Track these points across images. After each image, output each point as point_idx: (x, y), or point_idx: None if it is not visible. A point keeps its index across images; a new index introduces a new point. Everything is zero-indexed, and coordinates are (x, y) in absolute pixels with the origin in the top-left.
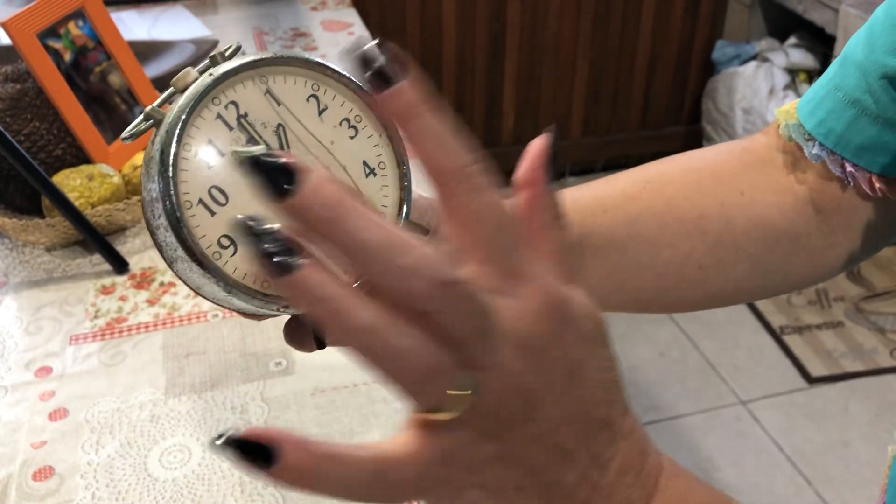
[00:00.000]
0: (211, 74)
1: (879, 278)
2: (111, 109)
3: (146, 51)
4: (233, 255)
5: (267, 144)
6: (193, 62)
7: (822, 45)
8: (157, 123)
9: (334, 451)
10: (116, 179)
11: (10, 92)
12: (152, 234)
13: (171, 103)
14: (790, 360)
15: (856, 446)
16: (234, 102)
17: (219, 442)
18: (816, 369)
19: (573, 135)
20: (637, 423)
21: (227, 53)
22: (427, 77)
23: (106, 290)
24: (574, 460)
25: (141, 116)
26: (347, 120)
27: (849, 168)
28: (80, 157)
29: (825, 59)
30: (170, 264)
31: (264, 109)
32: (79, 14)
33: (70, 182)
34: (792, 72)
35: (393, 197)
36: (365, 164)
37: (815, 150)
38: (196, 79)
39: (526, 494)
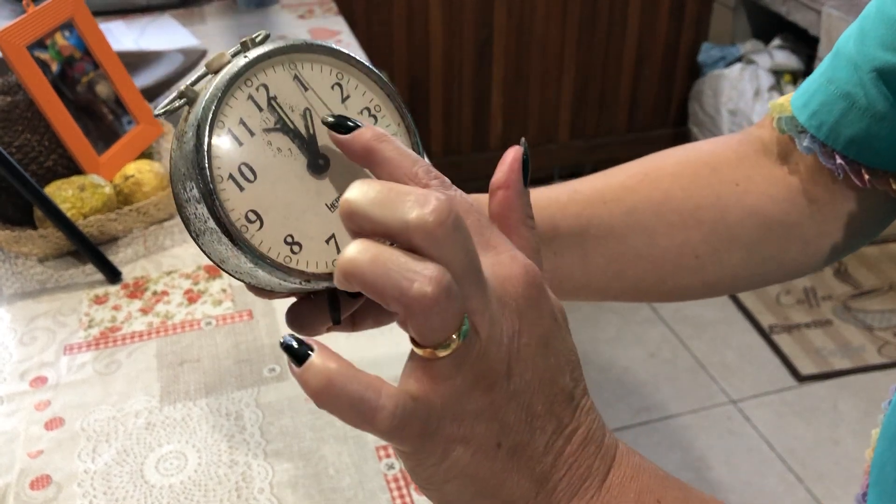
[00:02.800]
0: (245, 57)
1: (866, 276)
2: (99, 119)
3: (135, 61)
4: (259, 228)
5: (296, 126)
6: (182, 72)
7: (806, 46)
8: (191, 102)
9: (355, 373)
10: (108, 190)
11: (1, 104)
12: (180, 208)
13: (201, 83)
14: (780, 359)
15: (846, 443)
16: (264, 85)
17: (280, 342)
18: (806, 367)
19: (561, 138)
20: (595, 407)
21: (257, 40)
22: (414, 82)
23: (99, 300)
24: (542, 425)
25: (174, 94)
26: (368, 109)
27: (839, 160)
28: (71, 167)
29: (809, 61)
30: (196, 237)
31: (292, 93)
32: (66, 25)
33: (62, 193)
34: (777, 73)
35: None
36: None
37: (806, 143)
38: (229, 61)
39: (501, 455)
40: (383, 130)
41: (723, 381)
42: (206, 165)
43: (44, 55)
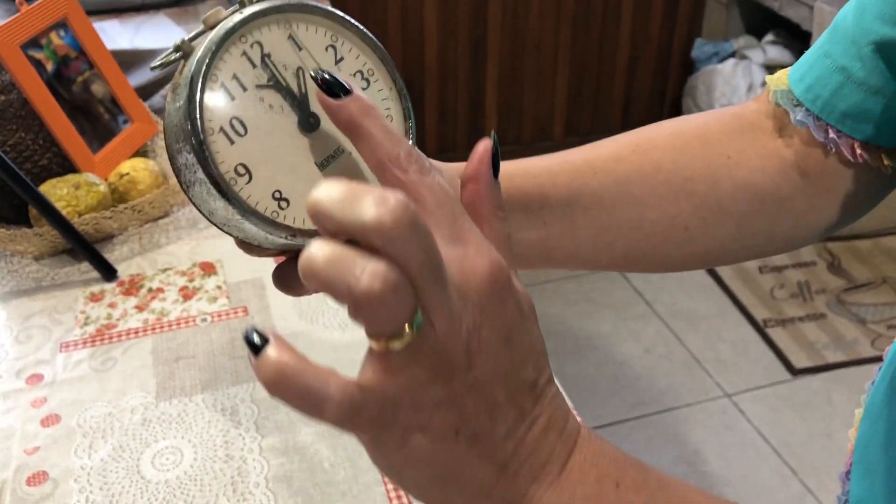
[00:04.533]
0: (241, 13)
1: (860, 270)
2: (95, 119)
3: (129, 60)
4: (248, 182)
5: (288, 84)
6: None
7: (799, 41)
8: (187, 55)
9: (306, 366)
10: (103, 188)
11: None
12: (172, 159)
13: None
14: (774, 353)
15: (839, 436)
16: (259, 42)
17: (243, 335)
18: (800, 361)
19: (556, 136)
20: (560, 393)
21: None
22: (409, 81)
23: (95, 298)
24: (503, 415)
25: (171, 48)
26: (361, 72)
27: (832, 134)
28: (66, 166)
29: (802, 56)
30: (186, 188)
31: (286, 52)
32: (61, 24)
33: (56, 191)
34: (770, 68)
35: None
36: None
37: (800, 116)
38: (226, 17)
39: (460, 442)
40: (371, 102)
41: (717, 376)
42: (198, 117)
43: (38, 55)
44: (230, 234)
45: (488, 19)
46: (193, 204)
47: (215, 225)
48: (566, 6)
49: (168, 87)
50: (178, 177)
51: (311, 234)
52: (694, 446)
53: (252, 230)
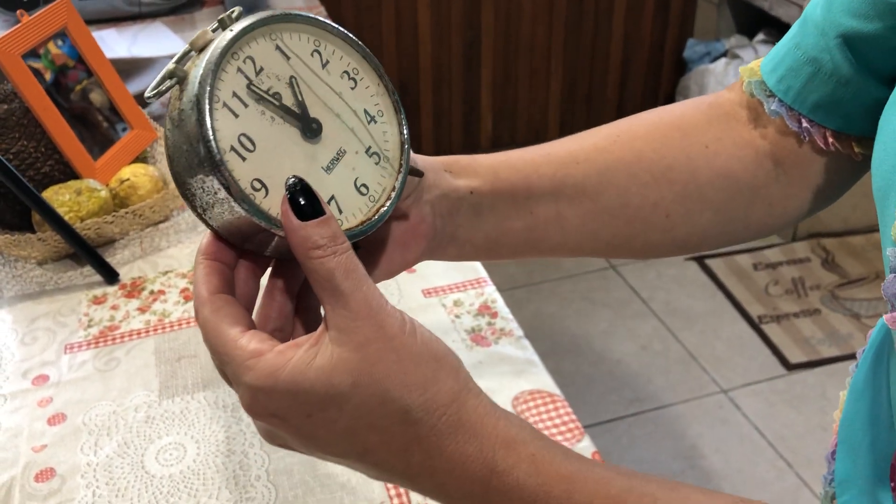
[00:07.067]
0: (231, 31)
1: (853, 266)
2: (93, 126)
3: (128, 68)
4: (265, 196)
5: (281, 96)
6: None
7: None
8: (181, 81)
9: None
10: (104, 193)
11: None
12: (183, 185)
13: (186, 62)
14: (769, 349)
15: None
16: (250, 57)
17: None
18: (795, 356)
19: (550, 137)
20: (453, 458)
21: (233, 16)
22: (404, 85)
23: (98, 300)
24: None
25: (163, 73)
26: (347, 72)
27: (805, 124)
28: (67, 173)
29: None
30: (202, 212)
31: (277, 63)
32: (59, 34)
33: (59, 197)
34: None
35: (394, 141)
36: (366, 112)
37: (774, 107)
38: (215, 37)
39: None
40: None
41: (713, 372)
42: (212, 139)
43: (37, 64)
44: (254, 252)
45: (481, 22)
46: (210, 226)
47: (234, 245)
48: (559, 8)
49: (167, 113)
50: (191, 202)
51: None
52: (691, 441)
53: (281, 243)
